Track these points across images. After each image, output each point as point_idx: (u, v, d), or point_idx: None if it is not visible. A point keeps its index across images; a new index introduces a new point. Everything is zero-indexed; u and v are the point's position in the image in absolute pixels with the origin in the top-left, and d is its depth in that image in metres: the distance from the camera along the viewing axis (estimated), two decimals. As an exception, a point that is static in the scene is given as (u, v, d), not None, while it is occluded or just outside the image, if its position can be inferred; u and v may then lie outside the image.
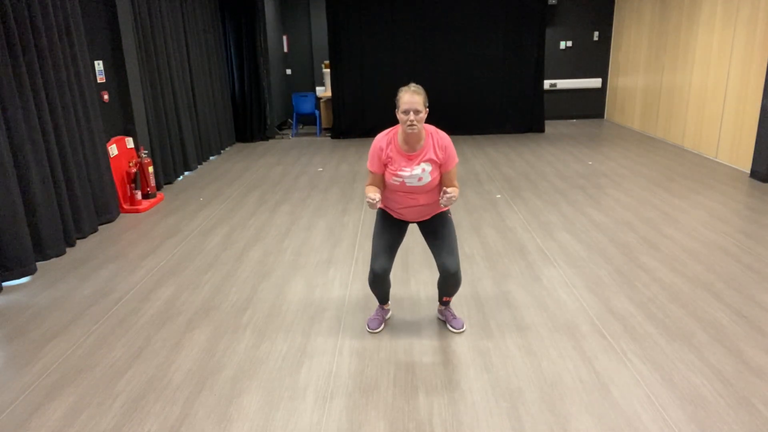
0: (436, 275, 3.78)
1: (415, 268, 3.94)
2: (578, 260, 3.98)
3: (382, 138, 2.80)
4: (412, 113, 2.62)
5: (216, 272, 3.97)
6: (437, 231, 2.90)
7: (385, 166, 2.79)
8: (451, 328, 3.08)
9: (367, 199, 2.62)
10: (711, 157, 6.96)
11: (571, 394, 2.50)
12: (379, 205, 2.67)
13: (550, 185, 5.99)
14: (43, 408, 2.52)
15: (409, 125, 2.64)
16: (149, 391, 2.62)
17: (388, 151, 2.77)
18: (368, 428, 2.33)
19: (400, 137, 2.77)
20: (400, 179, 2.76)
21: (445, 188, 2.65)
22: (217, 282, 3.81)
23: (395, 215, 2.95)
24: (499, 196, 5.66)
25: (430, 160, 2.75)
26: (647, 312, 3.23)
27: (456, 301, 3.41)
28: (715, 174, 6.21)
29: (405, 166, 2.75)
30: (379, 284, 2.96)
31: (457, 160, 2.80)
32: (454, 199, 2.64)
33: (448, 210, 2.98)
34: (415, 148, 2.75)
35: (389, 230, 2.93)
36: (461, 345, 2.93)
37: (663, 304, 3.32)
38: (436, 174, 2.77)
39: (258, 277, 3.86)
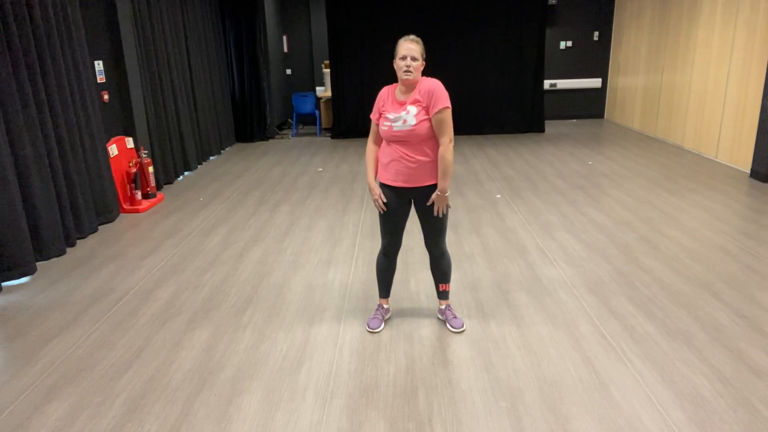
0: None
1: (415, 268, 3.94)
2: (578, 260, 3.98)
3: (385, 89, 2.92)
4: (408, 58, 2.71)
5: (216, 272, 3.97)
6: (430, 211, 2.93)
7: (381, 115, 2.88)
8: (450, 328, 3.08)
9: (375, 200, 2.92)
10: (711, 157, 6.96)
11: (571, 394, 2.50)
12: (383, 199, 2.91)
13: (550, 185, 5.99)
14: (43, 408, 2.52)
15: (406, 71, 2.72)
16: (149, 391, 2.62)
17: (386, 99, 2.87)
18: (368, 428, 2.33)
19: (398, 89, 2.86)
20: (388, 123, 2.80)
21: (436, 193, 2.83)
22: (217, 282, 3.81)
23: (390, 181, 2.90)
24: (499, 196, 5.66)
25: (414, 101, 2.78)
26: (647, 312, 3.23)
27: (456, 301, 3.41)
28: (715, 174, 6.21)
29: (393, 111, 2.81)
30: (390, 260, 3.08)
31: (446, 104, 2.73)
32: (445, 201, 2.87)
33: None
34: (409, 96, 2.82)
35: (393, 208, 2.94)
36: (461, 345, 2.93)
37: (663, 304, 3.32)
38: (423, 118, 2.75)
39: (258, 277, 3.86)
